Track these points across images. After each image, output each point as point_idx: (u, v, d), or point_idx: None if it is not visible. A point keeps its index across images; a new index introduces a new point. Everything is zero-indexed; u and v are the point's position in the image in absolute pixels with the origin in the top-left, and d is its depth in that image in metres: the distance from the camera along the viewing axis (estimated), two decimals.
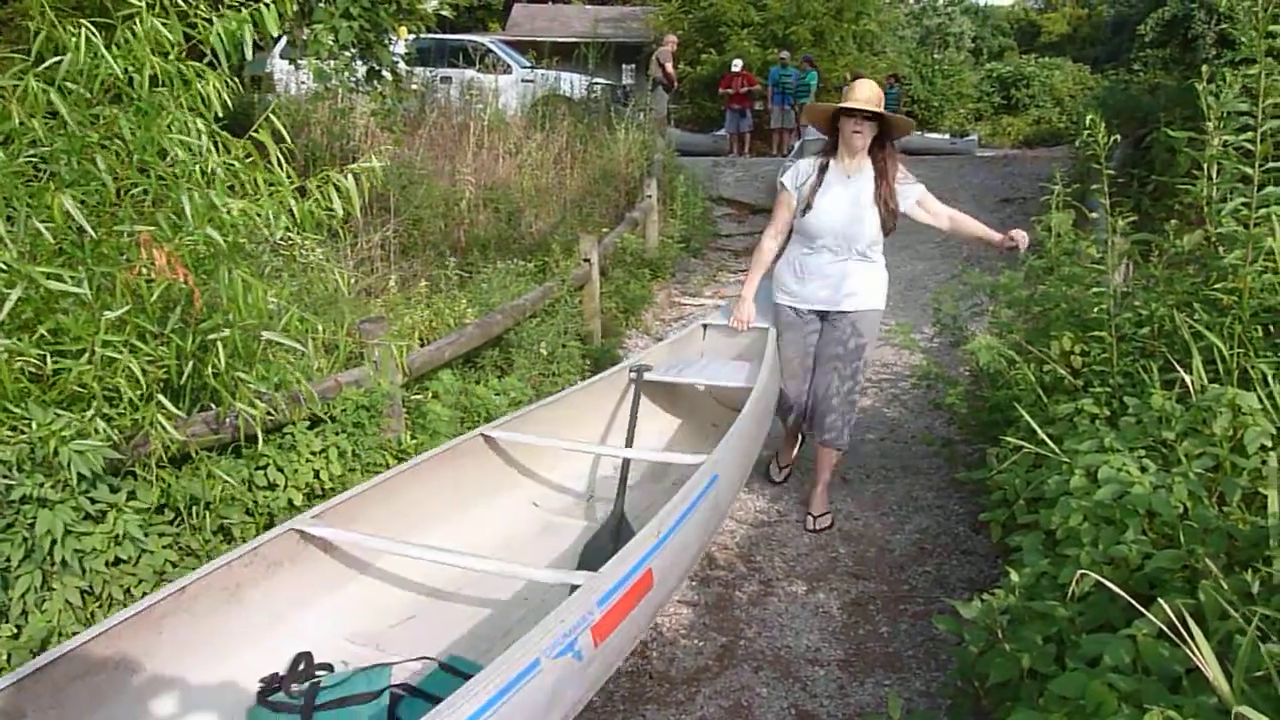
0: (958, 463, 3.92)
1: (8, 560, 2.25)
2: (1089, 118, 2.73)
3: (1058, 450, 2.42)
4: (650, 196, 7.63)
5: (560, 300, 5.15)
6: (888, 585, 3.15)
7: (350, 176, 2.68)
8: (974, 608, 1.99)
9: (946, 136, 17.04)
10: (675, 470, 3.37)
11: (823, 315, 3.42)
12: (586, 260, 5.43)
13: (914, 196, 3.31)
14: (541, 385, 4.62)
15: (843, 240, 3.27)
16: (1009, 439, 2.71)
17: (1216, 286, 2.63)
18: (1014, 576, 2.04)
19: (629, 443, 3.29)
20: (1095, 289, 3.01)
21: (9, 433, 2.28)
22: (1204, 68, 2.83)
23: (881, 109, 3.18)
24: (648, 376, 3.54)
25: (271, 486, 2.87)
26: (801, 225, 3.34)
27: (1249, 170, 2.51)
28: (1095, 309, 2.96)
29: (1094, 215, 3.32)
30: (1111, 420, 2.58)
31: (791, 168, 3.42)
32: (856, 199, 3.25)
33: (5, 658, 2.19)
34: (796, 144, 10.61)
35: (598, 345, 5.48)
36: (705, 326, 3.95)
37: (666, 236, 7.90)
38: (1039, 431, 2.54)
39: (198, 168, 2.57)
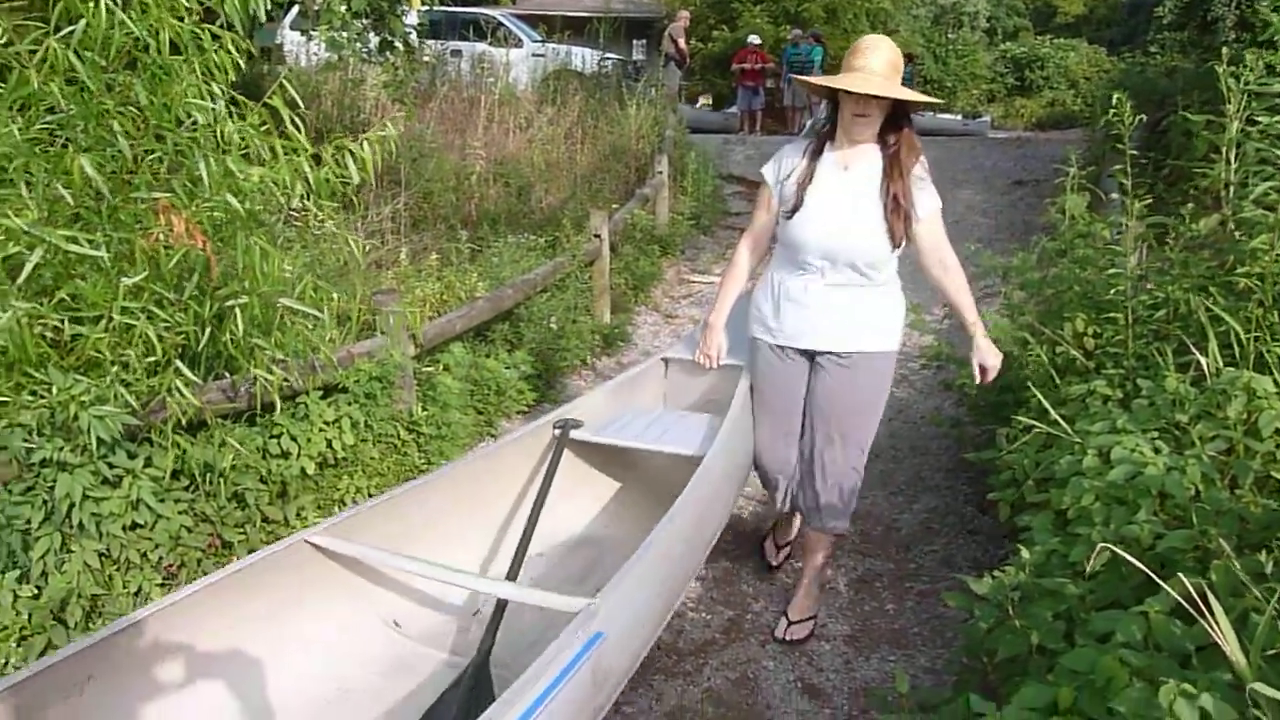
0: (966, 443, 3.92)
1: (28, 522, 2.29)
2: (1115, 97, 2.71)
3: (1070, 431, 2.42)
4: (661, 173, 7.58)
5: (570, 275, 5.15)
6: (894, 563, 3.17)
7: (365, 144, 2.68)
8: (985, 584, 2.00)
9: (959, 117, 16.91)
10: (587, 585, 2.42)
11: (811, 357, 2.58)
12: (597, 236, 5.42)
13: (925, 213, 2.43)
14: (551, 359, 4.63)
15: (838, 255, 2.41)
16: (1020, 419, 2.71)
17: (1238, 271, 2.62)
18: (1025, 554, 2.05)
19: (512, 573, 2.23)
20: (1111, 271, 2.99)
21: (29, 397, 2.31)
22: (1224, 50, 2.80)
23: (896, 85, 2.31)
24: (576, 434, 2.66)
25: (285, 455, 2.90)
26: (785, 233, 2.48)
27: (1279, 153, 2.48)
28: (1111, 291, 2.95)
29: (1113, 196, 3.28)
30: (1124, 402, 2.58)
31: (775, 156, 2.58)
32: (857, 198, 2.40)
33: (27, 617, 2.23)
34: (809, 122, 10.53)
35: (608, 321, 5.49)
36: (666, 361, 3.21)
37: (677, 213, 7.87)
38: (1051, 412, 2.54)
39: (215, 133, 2.58)
